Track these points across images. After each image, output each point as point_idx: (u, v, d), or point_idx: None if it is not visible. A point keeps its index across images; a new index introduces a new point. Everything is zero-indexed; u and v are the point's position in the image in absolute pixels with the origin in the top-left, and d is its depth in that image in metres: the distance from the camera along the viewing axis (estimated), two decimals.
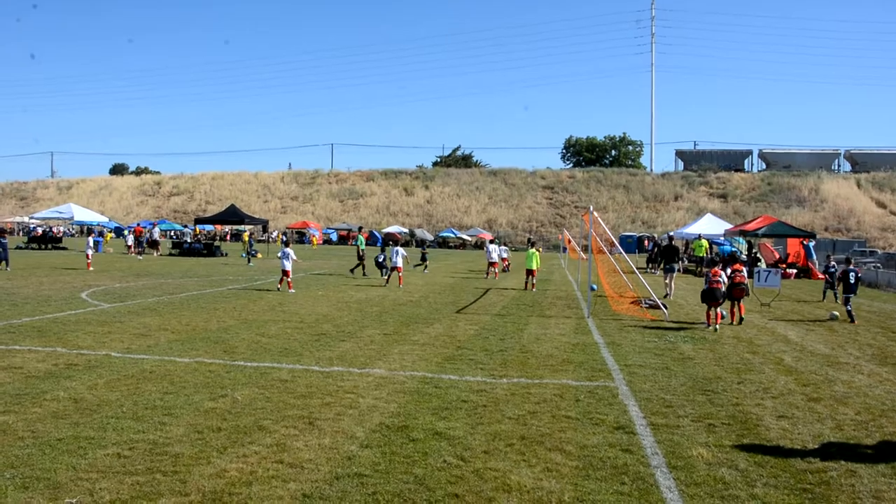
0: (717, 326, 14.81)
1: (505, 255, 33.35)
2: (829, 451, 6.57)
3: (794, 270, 34.38)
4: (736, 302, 15.73)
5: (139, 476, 5.51)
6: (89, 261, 29.87)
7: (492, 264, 29.43)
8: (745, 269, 16.41)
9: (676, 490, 5.52)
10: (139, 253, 42.06)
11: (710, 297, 15.01)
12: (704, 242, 36.39)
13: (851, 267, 17.57)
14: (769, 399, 8.62)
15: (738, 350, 12.30)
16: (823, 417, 7.80)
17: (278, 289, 21.13)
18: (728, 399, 8.56)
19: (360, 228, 36.06)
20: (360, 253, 29.11)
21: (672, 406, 8.14)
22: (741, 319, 15.80)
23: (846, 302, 16.79)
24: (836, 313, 16.37)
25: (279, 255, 21.64)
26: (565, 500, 5.26)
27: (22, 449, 6.06)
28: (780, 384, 9.53)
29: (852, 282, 16.86)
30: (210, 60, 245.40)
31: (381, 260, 27.05)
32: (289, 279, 21.28)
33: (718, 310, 15.01)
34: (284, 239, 34.43)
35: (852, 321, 16.28)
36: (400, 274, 23.89)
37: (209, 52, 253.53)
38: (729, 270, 15.83)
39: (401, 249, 24.02)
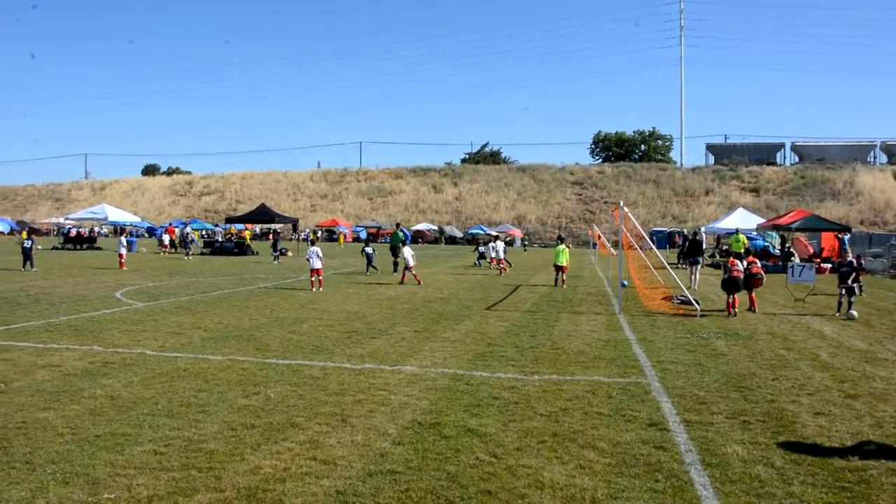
0: (736, 311, 16.09)
1: (498, 255, 32.51)
2: (869, 449, 6.46)
3: (829, 265, 33.84)
4: (751, 291, 16.92)
5: (175, 472, 5.58)
6: (123, 260, 30.24)
7: (498, 260, 30.64)
8: (757, 261, 17.66)
9: (711, 487, 5.46)
10: (186, 253, 42.29)
11: (732, 285, 16.21)
12: (742, 237, 33.62)
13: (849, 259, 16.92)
14: (805, 396, 8.50)
15: (773, 346, 12.14)
16: (862, 415, 7.66)
17: (312, 289, 21.16)
18: (763, 396, 8.45)
19: (398, 224, 36.47)
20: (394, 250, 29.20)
21: (706, 403, 8.06)
22: (753, 310, 16.82)
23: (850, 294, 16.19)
24: (854, 313, 15.84)
25: (307, 256, 21.81)
26: (598, 497, 5.24)
27: (62, 445, 6.17)
28: (817, 381, 9.38)
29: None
30: (239, 61, 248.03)
31: (369, 252, 28.76)
32: (320, 277, 21.39)
33: (736, 296, 16.23)
34: (310, 238, 34.76)
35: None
36: (414, 272, 23.66)
37: (238, 52, 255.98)
38: (745, 262, 17.02)
39: (407, 250, 23.97)
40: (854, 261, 16.92)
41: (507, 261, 31.72)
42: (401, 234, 29.67)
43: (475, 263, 35.64)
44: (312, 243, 22.34)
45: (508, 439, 6.56)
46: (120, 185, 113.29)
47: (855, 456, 6.25)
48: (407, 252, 23.71)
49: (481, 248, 36.85)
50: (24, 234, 48.74)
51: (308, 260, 21.64)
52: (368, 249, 29.07)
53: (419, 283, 23.28)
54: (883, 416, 7.59)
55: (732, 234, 34.29)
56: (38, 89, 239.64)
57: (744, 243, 32.41)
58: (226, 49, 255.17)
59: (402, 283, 23.50)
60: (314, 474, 5.60)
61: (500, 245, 31.67)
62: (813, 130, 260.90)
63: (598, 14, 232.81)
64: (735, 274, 16.24)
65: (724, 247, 30.10)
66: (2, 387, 8.25)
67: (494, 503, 5.11)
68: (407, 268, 23.78)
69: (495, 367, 9.93)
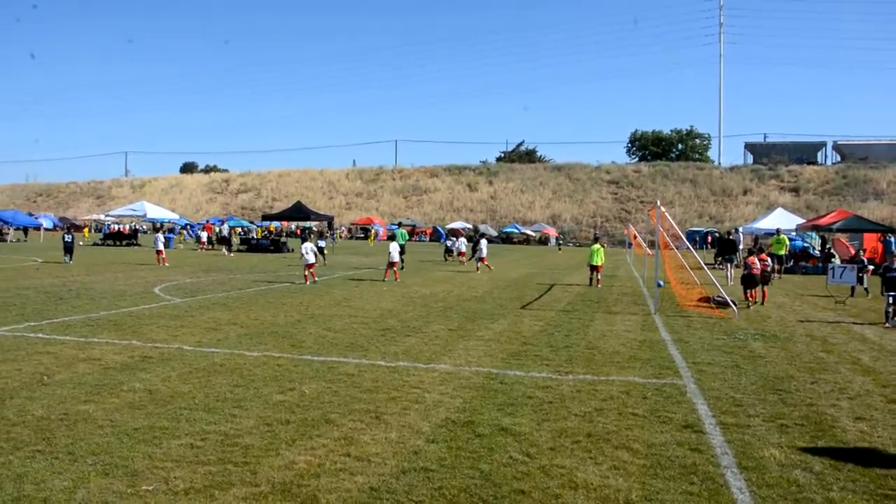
0: (754, 303, 17.95)
1: (462, 249, 36.98)
2: None
3: (872, 267, 33.14)
4: (764, 286, 18.82)
5: (211, 466, 5.66)
6: (163, 256, 30.67)
7: (459, 253, 36.19)
8: (767, 259, 19.83)
9: (748, 491, 5.39)
10: (228, 250, 42.64)
11: (751, 281, 18.06)
12: (784, 238, 31.62)
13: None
14: (845, 400, 8.34)
15: (812, 348, 11.93)
16: None
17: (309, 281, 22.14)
18: (801, 399, 8.31)
19: (399, 224, 38.04)
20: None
21: (742, 405, 7.95)
22: (762, 302, 18.47)
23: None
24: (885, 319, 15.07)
25: (302, 251, 22.96)
26: (633, 498, 5.20)
27: (102, 437, 6.29)
28: (858, 384, 9.20)
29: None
30: (277, 60, 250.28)
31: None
32: (312, 271, 22.64)
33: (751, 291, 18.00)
34: (304, 235, 36.16)
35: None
36: (396, 269, 24.55)
37: (277, 51, 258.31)
38: (758, 260, 18.56)
39: (395, 245, 24.96)
40: (864, 260, 16.57)
41: (476, 258, 31.61)
42: (404, 234, 30.33)
43: (445, 259, 38.28)
44: (304, 240, 23.33)
45: (542, 439, 6.54)
46: (159, 183, 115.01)
47: None
48: (482, 243, 28.25)
49: (448, 243, 41.42)
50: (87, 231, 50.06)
51: (303, 255, 22.63)
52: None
53: (489, 268, 26.84)
54: None
55: (772, 234, 32.60)
56: (80, 89, 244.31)
57: (785, 244, 31.20)
58: (264, 47, 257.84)
59: (384, 279, 24.03)
60: (348, 470, 5.63)
61: (463, 241, 37.79)
62: (855, 129, 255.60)
63: (636, 11, 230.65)
64: (754, 272, 18.04)
65: (766, 248, 28.37)
66: (45, 379, 8.44)
67: (528, 502, 5.10)
68: (479, 259, 28.33)
69: (529, 366, 9.90)
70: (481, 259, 29.62)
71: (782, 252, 30.13)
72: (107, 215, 65.99)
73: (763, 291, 18.72)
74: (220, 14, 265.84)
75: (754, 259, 18.48)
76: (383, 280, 23.65)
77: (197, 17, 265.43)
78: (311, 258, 22.56)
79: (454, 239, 40.54)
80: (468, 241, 39.44)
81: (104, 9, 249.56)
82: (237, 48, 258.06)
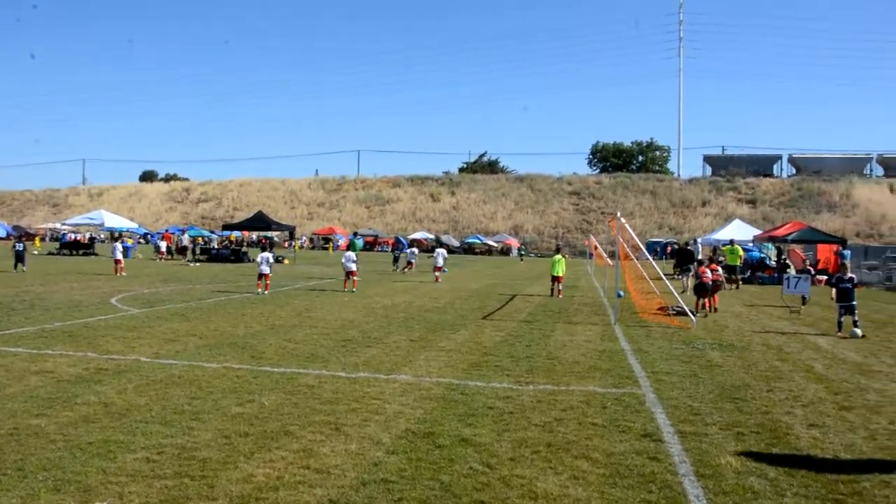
0: (707, 311, 18.82)
1: (412, 260, 37.00)
2: (862, 462, 6.46)
3: (825, 277, 33.88)
4: (714, 294, 19.59)
5: (168, 480, 5.57)
6: (121, 266, 30.19)
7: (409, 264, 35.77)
8: (719, 269, 21.06)
9: (705, 499, 5.46)
10: (193, 261, 42.24)
11: (703, 289, 19.04)
12: (739, 249, 31.70)
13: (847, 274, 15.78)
14: (799, 407, 8.50)
15: (768, 357, 12.15)
16: (856, 427, 7.67)
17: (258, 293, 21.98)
18: (757, 407, 8.46)
19: (355, 233, 38.37)
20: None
21: (700, 414, 8.06)
22: (715, 309, 19.39)
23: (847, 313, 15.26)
24: (858, 331, 15.19)
25: (258, 260, 23.00)
26: None
27: (54, 452, 6.15)
28: (811, 392, 9.39)
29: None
30: (237, 68, 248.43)
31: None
32: (267, 282, 22.58)
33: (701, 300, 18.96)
34: (265, 243, 36.53)
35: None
36: (355, 279, 24.54)
37: (236, 59, 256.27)
38: (709, 270, 19.62)
39: (351, 254, 24.87)
40: (854, 277, 16.00)
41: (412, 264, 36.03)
42: (358, 242, 30.23)
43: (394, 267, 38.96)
44: (264, 249, 23.26)
45: (502, 449, 6.55)
46: (117, 191, 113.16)
47: (848, 468, 6.26)
48: (437, 252, 28.61)
49: (396, 253, 42.96)
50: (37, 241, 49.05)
51: (259, 264, 22.75)
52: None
53: (355, 287, 24.17)
54: (876, 429, 7.59)
55: (727, 244, 32.81)
56: (35, 94, 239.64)
57: (739, 255, 31.58)
58: (224, 56, 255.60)
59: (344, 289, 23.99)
60: (307, 483, 5.58)
61: (416, 251, 38.80)
62: (810, 143, 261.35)
63: (597, 24, 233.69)
64: (705, 280, 19.05)
65: (721, 258, 28.66)
66: None
67: None
68: (436, 268, 28.73)
69: (490, 376, 9.92)
70: (436, 268, 30.10)
71: (737, 263, 30.50)
72: (63, 224, 64.78)
73: (714, 298, 19.60)
74: (182, 18, 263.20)
75: (705, 269, 19.66)
76: (343, 291, 23.54)
77: (157, 20, 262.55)
78: (266, 269, 22.44)
79: (411, 250, 39.87)
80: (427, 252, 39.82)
81: (51, 12, 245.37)
82: (198, 56, 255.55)
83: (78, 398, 8.07)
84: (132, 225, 61.43)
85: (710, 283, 19.09)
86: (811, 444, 6.99)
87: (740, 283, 29.98)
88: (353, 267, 24.34)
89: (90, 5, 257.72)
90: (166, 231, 67.17)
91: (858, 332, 14.91)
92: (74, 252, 50.64)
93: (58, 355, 10.71)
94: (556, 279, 23.67)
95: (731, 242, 32.56)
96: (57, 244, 56.43)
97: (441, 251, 31.85)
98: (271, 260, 23.23)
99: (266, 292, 22.03)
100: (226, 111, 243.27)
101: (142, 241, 65.40)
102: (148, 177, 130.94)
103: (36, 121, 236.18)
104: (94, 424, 7.03)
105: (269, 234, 58.58)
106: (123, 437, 6.62)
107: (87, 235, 58.70)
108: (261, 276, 22.47)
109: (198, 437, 6.68)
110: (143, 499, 5.18)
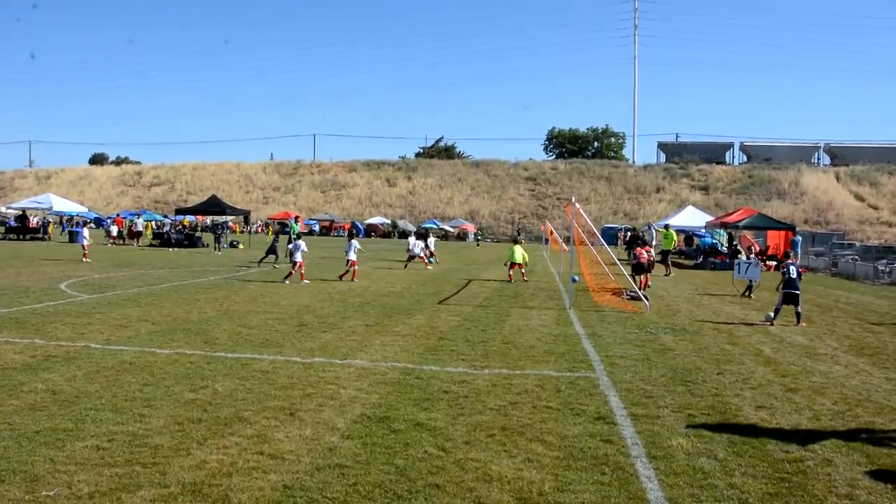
0: (646, 290, 19.43)
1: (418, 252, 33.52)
2: (807, 441, 6.64)
3: (774, 262, 34.65)
4: (647, 272, 21.37)
5: (118, 468, 5.48)
6: (86, 252, 29.66)
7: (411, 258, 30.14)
8: (652, 250, 23.01)
9: (656, 480, 5.56)
10: (142, 244, 41.80)
11: (640, 269, 20.99)
12: (672, 234, 31.76)
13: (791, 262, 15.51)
14: (748, 389, 8.70)
15: (718, 341, 12.39)
16: (801, 408, 7.88)
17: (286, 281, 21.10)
18: (708, 389, 8.63)
19: (296, 218, 37.41)
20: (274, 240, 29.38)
21: (652, 396, 8.19)
22: (647, 286, 20.76)
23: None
24: (772, 314, 15.05)
25: (290, 246, 22.53)
26: (546, 490, 5.29)
27: None
28: (759, 375, 9.61)
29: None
30: (191, 50, 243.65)
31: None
32: (302, 270, 21.73)
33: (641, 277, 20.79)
34: (292, 233, 35.36)
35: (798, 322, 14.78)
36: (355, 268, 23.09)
37: (190, 41, 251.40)
38: (645, 251, 21.56)
39: (355, 242, 23.66)
40: (796, 265, 15.52)
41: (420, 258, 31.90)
42: (296, 226, 30.09)
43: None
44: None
45: (457, 433, 6.59)
46: (66, 175, 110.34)
47: (794, 447, 6.43)
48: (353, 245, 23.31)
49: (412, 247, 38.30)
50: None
51: (291, 252, 22.10)
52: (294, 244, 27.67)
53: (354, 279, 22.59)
54: (820, 409, 7.81)
55: (662, 228, 32.38)
56: None
57: (673, 239, 31.62)
58: (177, 36, 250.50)
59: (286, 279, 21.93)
60: (261, 469, 5.54)
61: (413, 240, 32.41)
62: (761, 131, 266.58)
63: (553, 11, 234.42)
64: (642, 260, 21.03)
65: (650, 240, 28.75)
66: None
67: (443, 496, 5.13)
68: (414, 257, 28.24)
69: (446, 361, 9.95)
70: (420, 257, 30.14)
71: (671, 248, 30.50)
72: (8, 208, 63.04)
73: (647, 277, 21.30)
74: (134, 1, 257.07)
75: (641, 250, 21.63)
76: (300, 280, 22.98)
77: (111, 2, 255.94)
78: (298, 257, 21.52)
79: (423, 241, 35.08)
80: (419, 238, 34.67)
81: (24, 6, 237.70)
82: (148, 36, 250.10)
83: (24, 386, 7.88)
84: (82, 209, 60.11)
85: (646, 262, 21.11)
86: (759, 424, 7.16)
87: (670, 267, 28.60)
88: (299, 258, 22.44)
89: None
90: (118, 216, 65.80)
91: (772, 315, 14.71)
92: (22, 237, 49.30)
93: (3, 342, 10.44)
94: (513, 265, 23.74)
95: (667, 227, 32.72)
96: (2, 228, 54.77)
97: (431, 239, 31.61)
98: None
99: (305, 281, 21.27)
100: (179, 92, 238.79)
101: (91, 225, 63.81)
102: (98, 160, 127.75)
103: None
104: (41, 412, 6.88)
105: (222, 218, 57.76)
106: (72, 425, 6.49)
107: (38, 220, 56.99)
108: (294, 263, 21.55)
109: (149, 424, 6.58)
110: (93, 487, 5.09)
